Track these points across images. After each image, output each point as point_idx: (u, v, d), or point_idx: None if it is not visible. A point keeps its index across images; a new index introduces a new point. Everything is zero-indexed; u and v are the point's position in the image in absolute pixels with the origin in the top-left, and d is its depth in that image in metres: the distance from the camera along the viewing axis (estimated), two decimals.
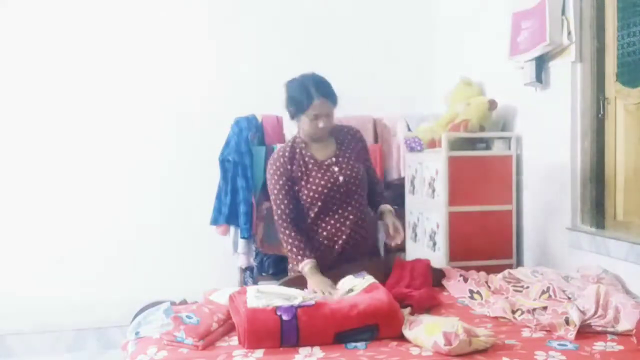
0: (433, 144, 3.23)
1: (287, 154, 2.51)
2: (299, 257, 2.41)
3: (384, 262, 2.83)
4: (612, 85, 2.59)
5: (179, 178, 4.05)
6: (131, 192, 4.02)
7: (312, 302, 1.91)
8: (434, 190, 3.18)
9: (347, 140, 2.58)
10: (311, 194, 2.47)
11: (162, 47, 4.05)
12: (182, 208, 4.02)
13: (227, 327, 1.98)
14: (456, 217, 3.05)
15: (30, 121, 3.89)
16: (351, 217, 2.51)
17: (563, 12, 2.69)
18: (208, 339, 1.87)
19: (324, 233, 2.51)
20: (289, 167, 2.48)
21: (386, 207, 2.61)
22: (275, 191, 2.50)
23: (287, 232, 2.47)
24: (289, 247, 2.47)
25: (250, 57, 4.14)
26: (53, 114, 3.92)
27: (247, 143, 3.54)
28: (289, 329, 1.81)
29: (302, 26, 4.19)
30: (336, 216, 2.50)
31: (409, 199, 3.59)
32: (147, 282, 3.79)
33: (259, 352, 1.79)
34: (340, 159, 2.52)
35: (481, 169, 3.09)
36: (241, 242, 3.54)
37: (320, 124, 2.42)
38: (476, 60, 3.61)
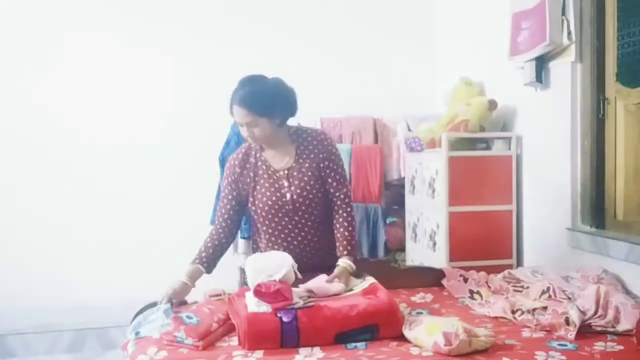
0: (433, 144, 3.23)
1: (240, 156, 2.30)
2: (194, 258, 2.25)
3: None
4: (612, 85, 2.58)
5: (179, 178, 4.04)
6: (131, 191, 4.02)
7: (312, 304, 1.91)
8: (434, 190, 3.18)
9: (309, 149, 2.26)
10: (260, 205, 2.24)
11: (162, 47, 4.05)
12: (182, 208, 4.02)
13: (227, 327, 1.98)
14: (456, 217, 3.05)
15: (30, 122, 3.89)
16: (305, 241, 2.27)
17: (563, 12, 2.69)
18: (208, 339, 1.87)
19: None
20: (238, 170, 2.27)
21: (345, 263, 2.17)
22: (221, 193, 2.32)
23: (207, 236, 2.29)
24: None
25: (249, 57, 4.13)
26: (52, 113, 3.92)
27: None
28: (289, 331, 1.81)
29: (302, 26, 4.19)
30: (289, 238, 2.26)
31: (409, 199, 3.59)
32: (147, 282, 3.78)
33: (259, 352, 1.79)
34: (294, 173, 2.23)
35: (481, 169, 3.09)
36: (241, 242, 3.54)
37: (244, 133, 2.18)
38: (476, 60, 3.61)
